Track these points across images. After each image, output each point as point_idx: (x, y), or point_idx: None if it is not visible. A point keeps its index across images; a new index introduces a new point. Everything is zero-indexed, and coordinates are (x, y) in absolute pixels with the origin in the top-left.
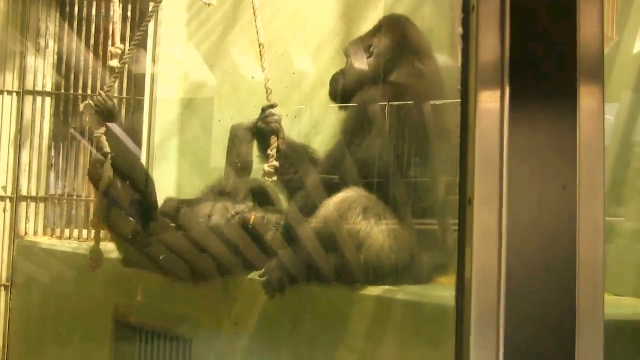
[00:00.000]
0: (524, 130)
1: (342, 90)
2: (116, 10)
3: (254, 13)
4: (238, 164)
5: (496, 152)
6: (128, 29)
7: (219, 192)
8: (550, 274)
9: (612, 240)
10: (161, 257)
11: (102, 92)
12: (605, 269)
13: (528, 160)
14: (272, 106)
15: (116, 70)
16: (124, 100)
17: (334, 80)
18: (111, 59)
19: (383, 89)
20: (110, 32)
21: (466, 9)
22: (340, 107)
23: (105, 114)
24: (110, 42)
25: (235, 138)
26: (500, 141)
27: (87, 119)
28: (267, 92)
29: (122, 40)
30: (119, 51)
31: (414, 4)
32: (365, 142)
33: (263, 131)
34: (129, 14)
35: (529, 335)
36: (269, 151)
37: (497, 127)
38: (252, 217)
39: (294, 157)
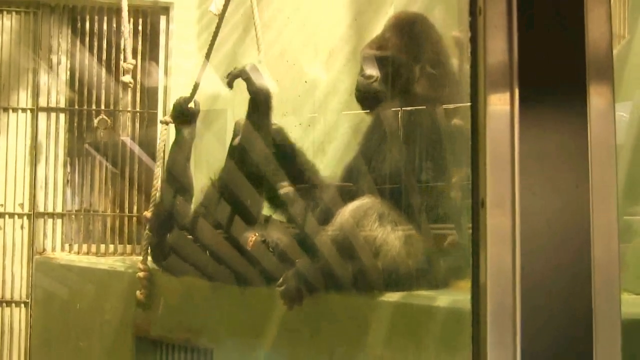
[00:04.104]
0: (534, 131)
1: (375, 91)
2: (126, 26)
3: (255, 29)
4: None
5: (508, 154)
6: (140, 43)
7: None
8: (566, 275)
9: (631, 239)
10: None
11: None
12: (624, 268)
13: (540, 161)
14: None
15: (130, 85)
16: (137, 114)
17: (366, 81)
18: (124, 75)
19: (402, 100)
20: (122, 48)
21: (473, 12)
22: (354, 115)
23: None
24: (122, 58)
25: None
26: (511, 143)
27: (101, 133)
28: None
29: (134, 54)
30: (131, 66)
31: (423, 7)
32: (386, 156)
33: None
34: (139, 27)
35: (545, 337)
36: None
37: (507, 128)
38: (251, 240)
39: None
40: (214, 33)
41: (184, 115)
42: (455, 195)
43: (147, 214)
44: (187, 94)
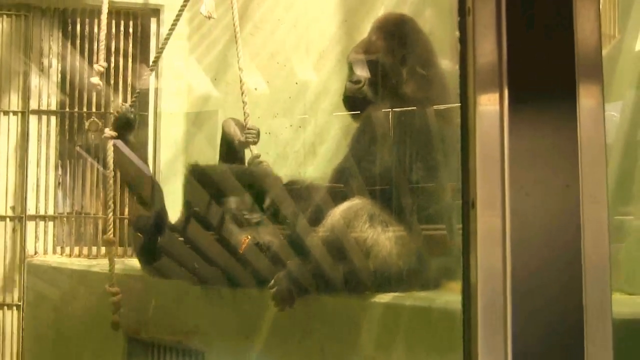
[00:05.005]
0: (524, 131)
1: (365, 97)
2: (103, 28)
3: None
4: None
5: (497, 154)
6: (130, 45)
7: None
8: (556, 275)
9: (622, 239)
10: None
11: (124, 104)
12: (616, 267)
13: (530, 161)
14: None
15: (98, 87)
16: None
17: (355, 85)
18: (93, 77)
19: (390, 102)
20: (98, 49)
21: (462, 12)
22: (344, 116)
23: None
24: (98, 59)
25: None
26: (501, 143)
27: (92, 136)
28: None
29: (125, 56)
30: (102, 69)
31: (414, 8)
32: (376, 157)
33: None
34: (130, 30)
35: (536, 337)
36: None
37: (497, 129)
38: (244, 242)
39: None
40: (166, 38)
41: (129, 123)
42: (446, 196)
43: (109, 237)
44: (179, 95)
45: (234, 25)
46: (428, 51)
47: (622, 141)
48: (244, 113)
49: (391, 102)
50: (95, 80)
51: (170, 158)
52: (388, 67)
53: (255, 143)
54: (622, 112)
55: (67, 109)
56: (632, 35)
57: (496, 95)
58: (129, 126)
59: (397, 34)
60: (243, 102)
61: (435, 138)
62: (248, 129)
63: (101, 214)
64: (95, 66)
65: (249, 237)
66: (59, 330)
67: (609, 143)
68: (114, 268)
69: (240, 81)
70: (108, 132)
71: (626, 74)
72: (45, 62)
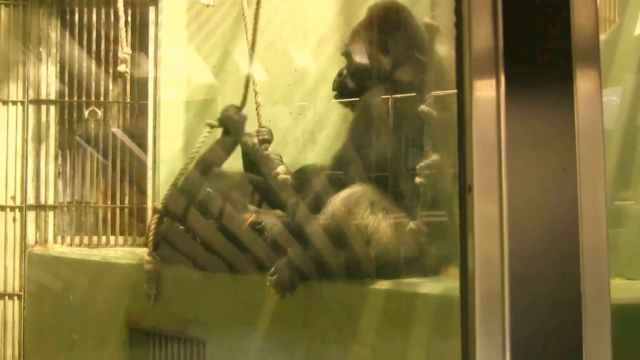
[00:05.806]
0: (520, 116)
1: (346, 87)
2: (121, 16)
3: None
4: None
5: (494, 140)
6: (129, 34)
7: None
8: (554, 259)
9: (623, 223)
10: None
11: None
12: (616, 253)
13: (526, 146)
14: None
15: (125, 74)
16: (128, 105)
17: (339, 78)
18: (120, 65)
19: (387, 88)
20: (120, 38)
21: None
22: (343, 103)
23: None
24: (119, 48)
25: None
26: (497, 128)
27: (92, 125)
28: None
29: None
30: (127, 56)
31: None
32: (375, 142)
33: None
34: (129, 18)
35: (534, 322)
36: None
37: (493, 114)
38: (247, 220)
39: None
40: (254, 27)
41: (230, 122)
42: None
43: (156, 205)
44: (178, 84)
45: (244, 22)
46: (417, 38)
47: (623, 126)
48: (257, 111)
49: (378, 90)
50: (123, 68)
51: (170, 147)
52: (371, 56)
53: (267, 141)
54: (622, 96)
55: (67, 98)
56: (632, 20)
57: (492, 80)
58: (229, 124)
59: (382, 23)
60: (256, 102)
61: (426, 124)
62: (260, 126)
63: (101, 203)
64: (120, 54)
65: (254, 215)
66: (61, 319)
67: (610, 128)
68: (153, 236)
69: (252, 79)
70: (212, 121)
71: (626, 59)
72: (44, 51)
